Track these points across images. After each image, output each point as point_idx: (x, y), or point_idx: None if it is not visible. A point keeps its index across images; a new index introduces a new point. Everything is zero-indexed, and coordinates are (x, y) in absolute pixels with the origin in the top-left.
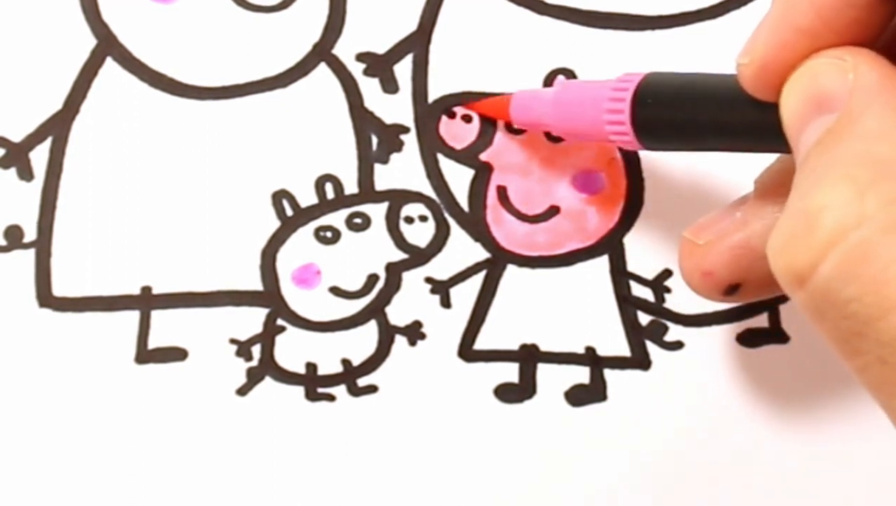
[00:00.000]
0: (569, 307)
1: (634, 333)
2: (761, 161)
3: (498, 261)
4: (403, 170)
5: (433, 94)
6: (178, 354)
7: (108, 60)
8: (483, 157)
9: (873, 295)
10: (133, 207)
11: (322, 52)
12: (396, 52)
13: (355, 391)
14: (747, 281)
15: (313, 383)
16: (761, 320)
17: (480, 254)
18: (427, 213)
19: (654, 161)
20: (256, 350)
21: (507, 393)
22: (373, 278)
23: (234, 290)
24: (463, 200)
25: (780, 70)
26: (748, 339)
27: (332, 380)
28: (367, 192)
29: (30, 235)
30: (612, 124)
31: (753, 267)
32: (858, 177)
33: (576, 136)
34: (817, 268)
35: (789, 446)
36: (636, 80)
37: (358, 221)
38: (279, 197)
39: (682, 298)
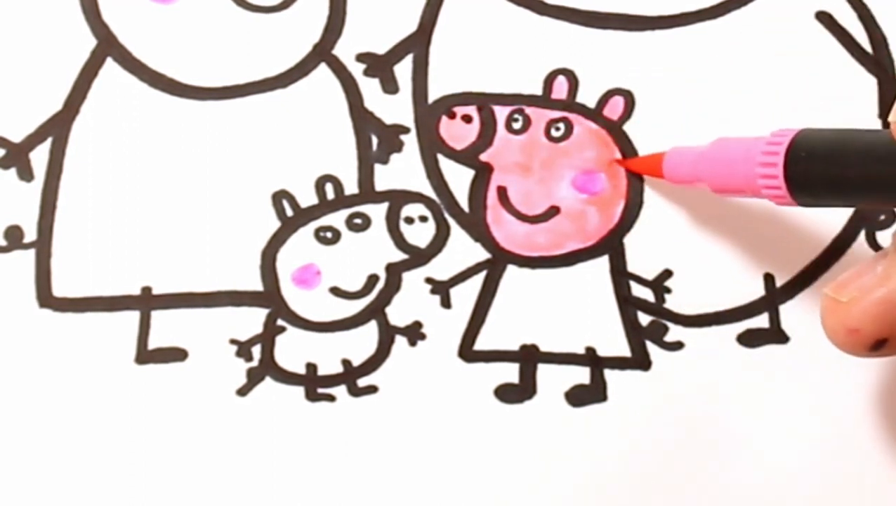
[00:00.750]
0: (569, 308)
1: (634, 334)
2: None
3: (498, 261)
4: (403, 170)
5: (433, 95)
6: (178, 355)
7: (108, 61)
8: (483, 157)
9: None
10: (133, 208)
11: (322, 52)
12: (396, 53)
13: (355, 392)
14: (894, 336)
15: (313, 384)
16: (761, 320)
17: (480, 254)
18: (427, 213)
19: None
20: (256, 350)
21: (507, 393)
22: (373, 279)
23: (235, 290)
24: (463, 200)
25: None
26: (748, 339)
27: (333, 380)
28: (367, 192)
29: (30, 235)
30: (765, 178)
31: None
32: None
33: (730, 192)
34: None
35: (789, 446)
36: (790, 136)
37: (358, 221)
38: (279, 197)
39: (682, 299)
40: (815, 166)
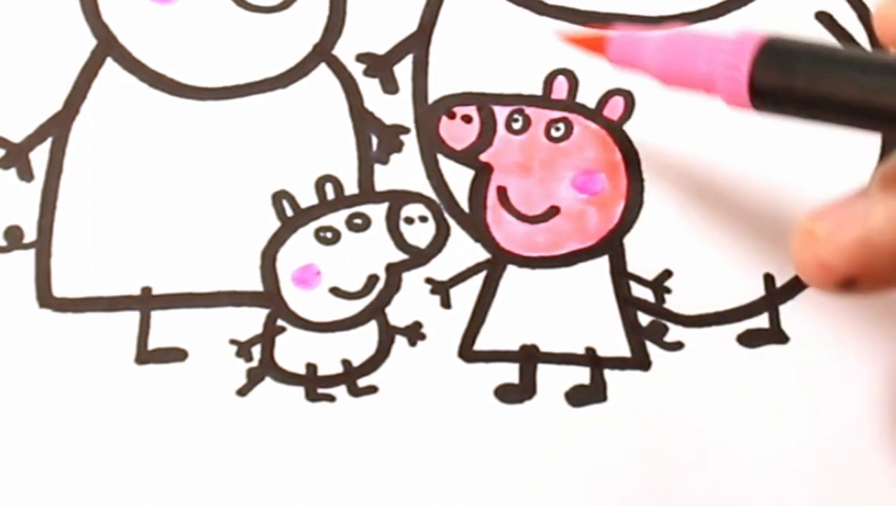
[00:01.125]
0: (569, 308)
1: (634, 334)
2: (766, 166)
3: (498, 261)
4: (403, 170)
5: (433, 95)
6: (178, 355)
7: (108, 61)
8: (483, 157)
9: None
10: (133, 208)
11: (322, 52)
12: (396, 53)
13: (355, 392)
14: (864, 276)
15: (313, 384)
16: (761, 320)
17: (480, 254)
18: (427, 213)
19: (655, 161)
20: (256, 351)
21: (507, 393)
22: (373, 279)
23: (234, 290)
24: (463, 200)
25: None
26: (748, 339)
27: (333, 380)
28: (367, 192)
29: (30, 235)
30: (727, 80)
31: (874, 262)
32: None
33: (680, 85)
34: None
35: (789, 445)
36: (758, 37)
37: (358, 221)
38: (279, 197)
39: (682, 299)
40: (784, 75)
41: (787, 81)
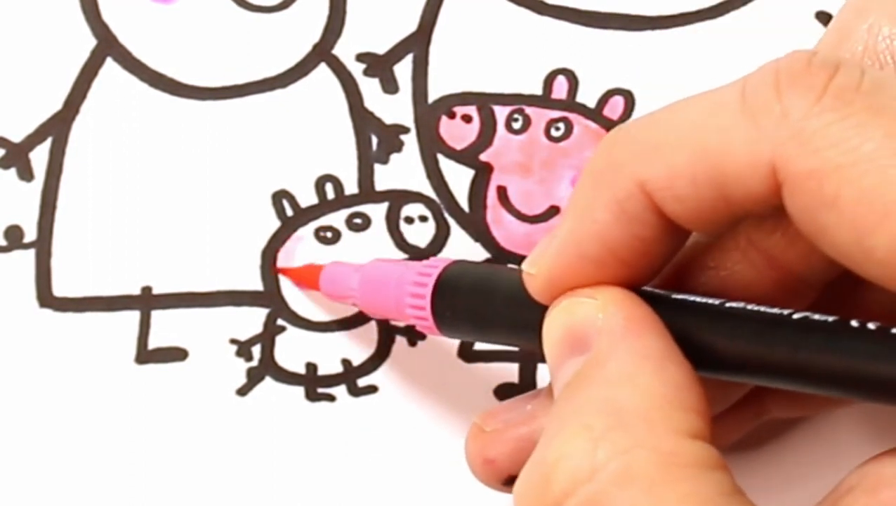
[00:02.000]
0: None
1: None
2: None
3: (498, 261)
4: (403, 170)
5: (433, 95)
6: (178, 354)
7: (108, 60)
8: (483, 157)
9: None
10: (133, 208)
11: (322, 52)
12: (396, 53)
13: (355, 391)
14: None
15: (313, 383)
16: None
17: (480, 254)
18: (427, 213)
19: None
20: (256, 350)
21: (507, 393)
22: None
23: (234, 290)
24: (463, 200)
25: (565, 287)
26: None
27: (332, 380)
28: (367, 192)
29: (30, 235)
30: (413, 309)
31: None
32: (594, 426)
33: (379, 314)
34: None
35: (788, 445)
36: (441, 267)
37: (358, 221)
38: (279, 197)
39: None
40: (458, 303)
41: (461, 310)
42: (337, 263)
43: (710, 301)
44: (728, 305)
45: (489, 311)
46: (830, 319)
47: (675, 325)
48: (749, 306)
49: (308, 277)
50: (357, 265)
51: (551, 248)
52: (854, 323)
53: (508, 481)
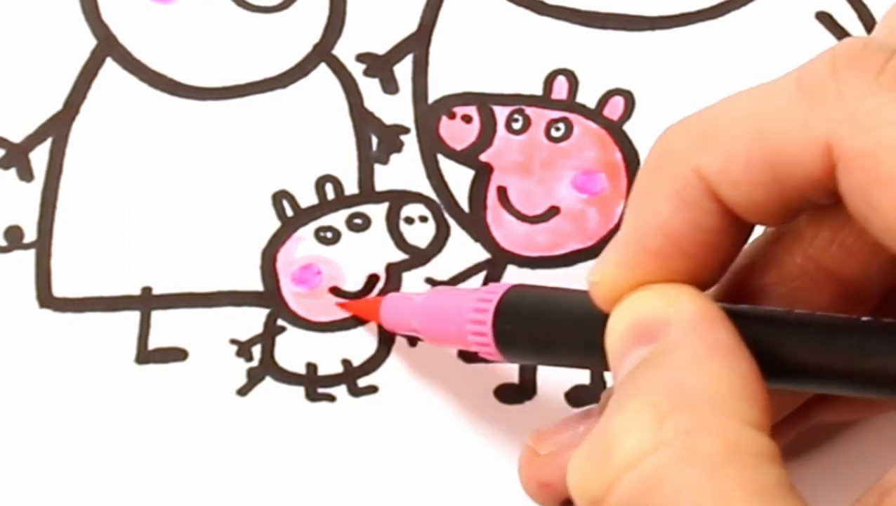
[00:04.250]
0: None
1: None
2: None
3: (498, 261)
4: (403, 170)
5: (433, 95)
6: (178, 355)
7: (108, 61)
8: (483, 157)
9: None
10: (133, 208)
11: (322, 52)
12: (396, 53)
13: (355, 391)
14: None
15: (313, 384)
16: None
17: (480, 254)
18: (427, 213)
19: None
20: (257, 350)
21: (507, 393)
22: (373, 279)
23: (235, 290)
24: (463, 200)
25: (630, 289)
26: None
27: (333, 380)
28: (367, 192)
29: (30, 235)
30: (475, 335)
31: None
32: (660, 404)
33: (442, 342)
34: (611, 491)
35: (787, 445)
36: (500, 292)
37: (358, 221)
38: (279, 197)
39: None
40: (520, 327)
41: (523, 335)
42: (395, 295)
43: (776, 309)
44: (795, 312)
45: (551, 333)
46: None
47: (742, 331)
48: (816, 313)
49: (368, 311)
50: (416, 295)
51: (613, 251)
52: None
53: (566, 504)
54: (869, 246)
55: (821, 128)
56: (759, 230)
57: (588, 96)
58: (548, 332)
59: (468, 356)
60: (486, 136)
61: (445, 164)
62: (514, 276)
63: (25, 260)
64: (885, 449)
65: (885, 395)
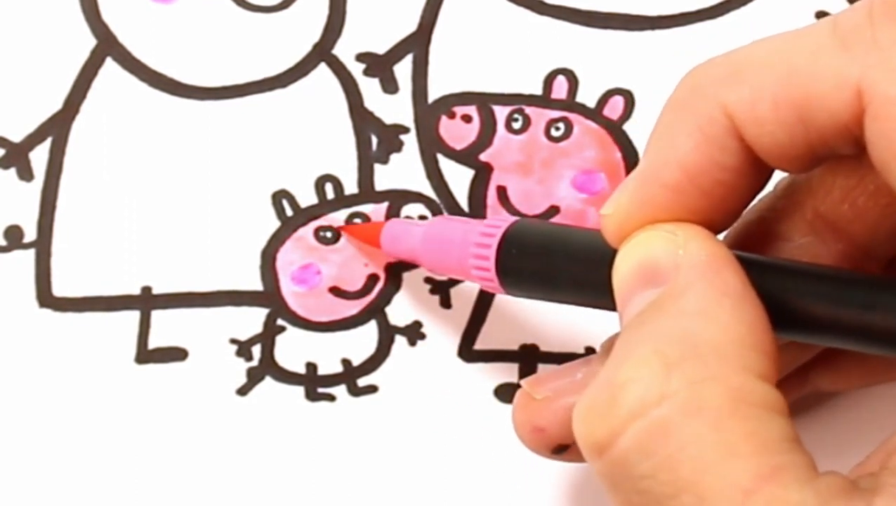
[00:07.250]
0: (569, 308)
1: None
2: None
3: None
4: (403, 170)
5: (433, 94)
6: (178, 354)
7: (108, 60)
8: (483, 157)
9: (668, 473)
10: (133, 208)
11: (322, 52)
12: (396, 52)
13: (355, 391)
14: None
15: (313, 383)
16: None
17: None
18: (427, 213)
19: None
20: (256, 350)
21: (507, 393)
22: (373, 278)
23: (234, 290)
24: (463, 200)
25: (642, 225)
26: None
27: (332, 380)
28: (367, 192)
29: (30, 235)
30: (477, 266)
31: None
32: (668, 354)
33: (442, 272)
34: (616, 440)
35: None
36: (504, 226)
37: (358, 221)
38: (279, 197)
39: None
40: (525, 261)
41: (527, 267)
42: (398, 220)
43: (786, 260)
44: (805, 263)
45: (556, 267)
46: None
47: (752, 279)
48: (826, 266)
49: (368, 235)
50: (420, 222)
51: (629, 183)
52: None
53: (558, 450)
54: (880, 207)
55: (853, 72)
56: (772, 184)
57: (588, 96)
58: (553, 266)
59: (468, 356)
60: (486, 135)
61: (445, 163)
62: None
63: (25, 260)
64: (891, 412)
65: (890, 352)
